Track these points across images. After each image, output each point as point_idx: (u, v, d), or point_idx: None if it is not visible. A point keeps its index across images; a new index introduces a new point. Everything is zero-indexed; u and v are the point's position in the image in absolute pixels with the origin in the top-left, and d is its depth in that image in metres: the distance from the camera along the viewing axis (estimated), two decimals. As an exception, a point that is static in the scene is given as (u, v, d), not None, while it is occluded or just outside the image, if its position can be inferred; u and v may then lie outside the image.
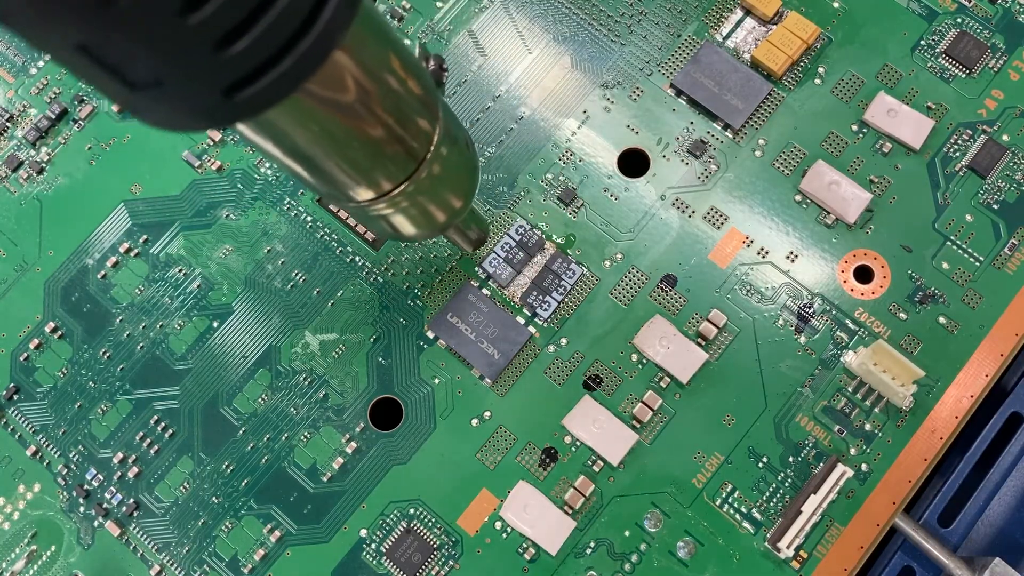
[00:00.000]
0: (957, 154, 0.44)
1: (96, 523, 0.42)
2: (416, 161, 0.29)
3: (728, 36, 0.46)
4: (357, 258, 0.44)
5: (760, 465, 0.41)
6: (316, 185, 0.29)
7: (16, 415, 0.44)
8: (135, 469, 0.42)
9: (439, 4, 0.48)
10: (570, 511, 0.41)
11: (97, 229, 0.46)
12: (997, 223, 0.43)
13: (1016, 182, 0.43)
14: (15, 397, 0.44)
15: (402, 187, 0.30)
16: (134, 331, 0.44)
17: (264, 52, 0.18)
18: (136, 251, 0.45)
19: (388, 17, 0.48)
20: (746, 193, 0.44)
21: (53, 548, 0.42)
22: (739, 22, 0.46)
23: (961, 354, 0.41)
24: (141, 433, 0.43)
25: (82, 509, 0.42)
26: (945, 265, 0.42)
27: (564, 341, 0.43)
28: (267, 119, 0.23)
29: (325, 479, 0.42)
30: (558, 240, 0.44)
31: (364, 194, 0.30)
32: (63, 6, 0.15)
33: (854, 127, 0.44)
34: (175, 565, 0.41)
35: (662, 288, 0.43)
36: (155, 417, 0.43)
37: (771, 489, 0.40)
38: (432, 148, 0.30)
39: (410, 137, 0.29)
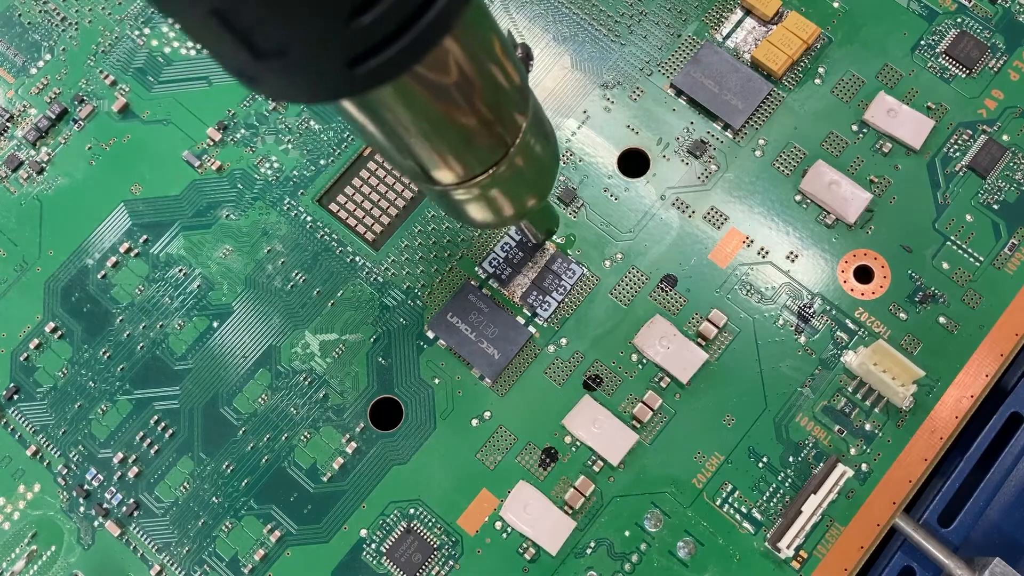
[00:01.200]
0: (957, 154, 0.44)
1: (96, 523, 0.42)
2: (504, 148, 0.29)
3: (728, 36, 0.46)
4: (357, 258, 0.44)
5: (760, 465, 0.41)
6: (401, 164, 0.29)
7: (16, 415, 0.44)
8: (135, 469, 0.42)
9: (439, 4, 0.48)
10: (570, 511, 0.41)
11: (97, 229, 0.46)
12: (997, 223, 0.43)
13: (1016, 182, 0.43)
14: (15, 397, 0.44)
15: (489, 172, 0.30)
16: (134, 331, 0.44)
17: (391, 24, 0.18)
18: (136, 251, 0.45)
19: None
20: (746, 193, 0.44)
21: (53, 548, 0.42)
22: (739, 22, 0.46)
23: (961, 354, 0.41)
24: (141, 433, 0.43)
25: (82, 509, 0.42)
26: (945, 265, 0.42)
27: (564, 341, 0.43)
28: (372, 96, 0.24)
29: (325, 479, 0.42)
30: (558, 240, 0.44)
31: (447, 177, 0.30)
32: None
33: (854, 127, 0.44)
34: (175, 565, 0.41)
35: (662, 288, 0.43)
36: (155, 417, 0.43)
37: (771, 489, 0.40)
38: (520, 137, 0.30)
39: (502, 124, 0.29)
